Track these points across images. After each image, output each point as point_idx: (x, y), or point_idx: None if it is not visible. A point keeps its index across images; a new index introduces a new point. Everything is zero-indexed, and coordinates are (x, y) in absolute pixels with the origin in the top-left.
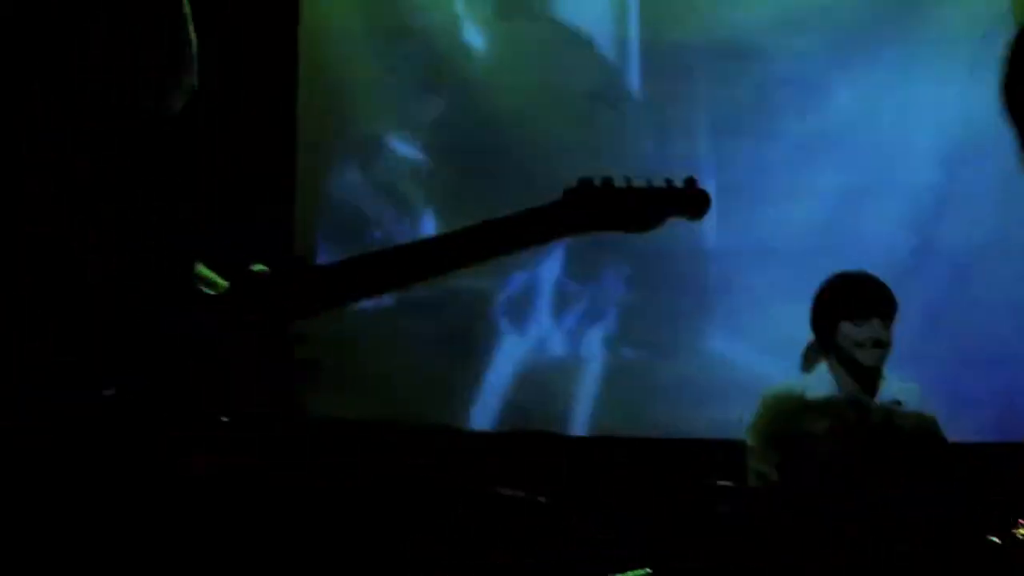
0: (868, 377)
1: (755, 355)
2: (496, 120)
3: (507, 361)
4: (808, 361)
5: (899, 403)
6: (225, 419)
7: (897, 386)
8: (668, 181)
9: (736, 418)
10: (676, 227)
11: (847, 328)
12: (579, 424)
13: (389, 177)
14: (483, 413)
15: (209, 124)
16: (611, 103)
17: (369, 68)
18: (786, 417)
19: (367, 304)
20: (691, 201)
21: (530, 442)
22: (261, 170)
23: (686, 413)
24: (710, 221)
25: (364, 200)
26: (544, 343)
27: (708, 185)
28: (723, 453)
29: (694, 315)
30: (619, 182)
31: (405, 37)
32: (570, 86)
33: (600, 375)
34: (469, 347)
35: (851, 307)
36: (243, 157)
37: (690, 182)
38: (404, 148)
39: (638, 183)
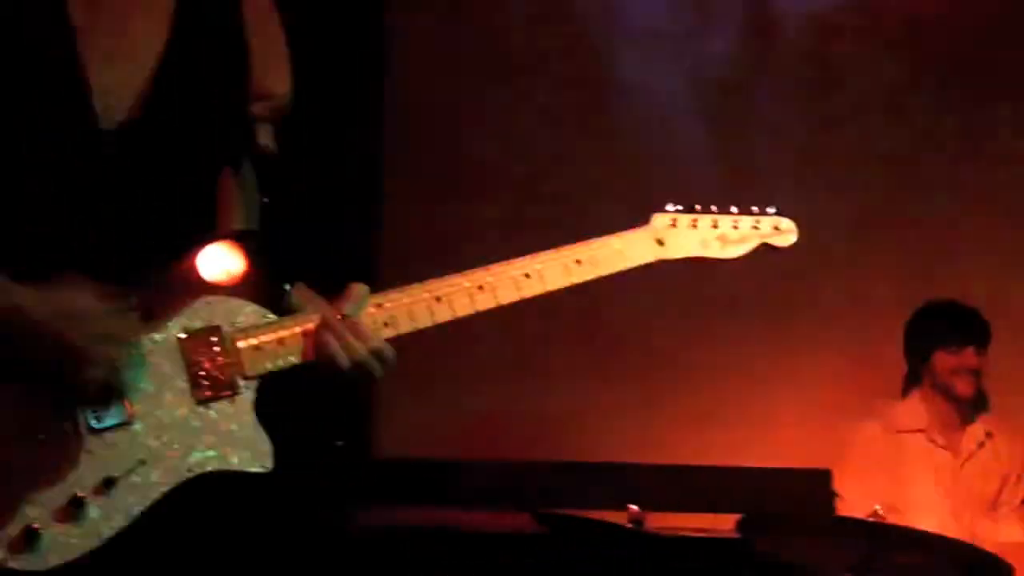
0: (961, 405)
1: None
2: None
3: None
4: (903, 388)
5: (990, 434)
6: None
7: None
8: (756, 210)
9: None
10: None
11: (943, 357)
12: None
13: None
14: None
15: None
16: None
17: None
18: (879, 445)
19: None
20: (780, 227)
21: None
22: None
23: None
24: None
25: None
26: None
27: None
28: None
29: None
30: (707, 209)
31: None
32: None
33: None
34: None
35: (947, 336)
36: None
37: (778, 211)
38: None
39: (727, 211)
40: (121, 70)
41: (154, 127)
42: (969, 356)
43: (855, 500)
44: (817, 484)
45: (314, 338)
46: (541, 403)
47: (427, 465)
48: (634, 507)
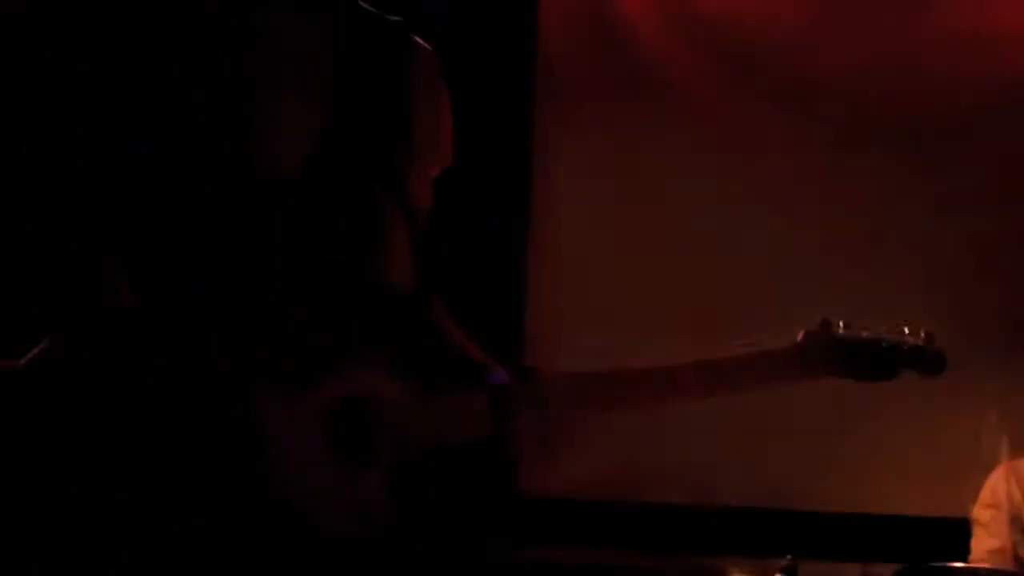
0: None
1: None
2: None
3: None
4: None
5: None
6: None
7: None
8: (907, 334)
9: None
10: None
11: None
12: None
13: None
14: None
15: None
16: None
17: None
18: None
19: None
20: (928, 360)
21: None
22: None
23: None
24: None
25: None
26: None
27: None
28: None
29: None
30: (858, 328)
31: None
32: None
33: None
34: None
35: None
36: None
37: (929, 338)
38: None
39: (877, 334)
40: (287, 125)
41: (316, 182)
42: None
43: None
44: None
45: (508, 419)
46: (688, 447)
47: (577, 506)
48: (786, 557)
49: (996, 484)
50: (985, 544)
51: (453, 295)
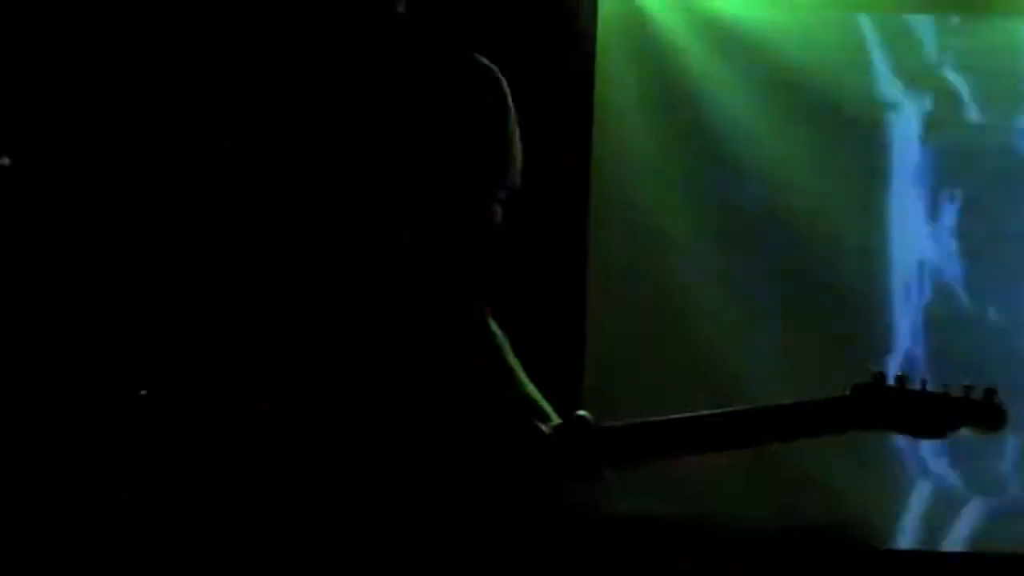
0: None
1: None
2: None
3: None
4: None
5: None
6: None
7: None
8: (967, 389)
9: None
10: None
11: None
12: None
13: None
14: None
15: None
16: None
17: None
18: None
19: None
20: (988, 416)
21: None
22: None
23: None
24: None
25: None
26: None
27: None
28: None
29: None
30: (913, 383)
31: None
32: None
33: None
34: None
35: None
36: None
37: (989, 393)
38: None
39: (933, 389)
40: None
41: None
42: None
43: None
44: None
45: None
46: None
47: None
48: None
49: None
50: None
51: (511, 321)
